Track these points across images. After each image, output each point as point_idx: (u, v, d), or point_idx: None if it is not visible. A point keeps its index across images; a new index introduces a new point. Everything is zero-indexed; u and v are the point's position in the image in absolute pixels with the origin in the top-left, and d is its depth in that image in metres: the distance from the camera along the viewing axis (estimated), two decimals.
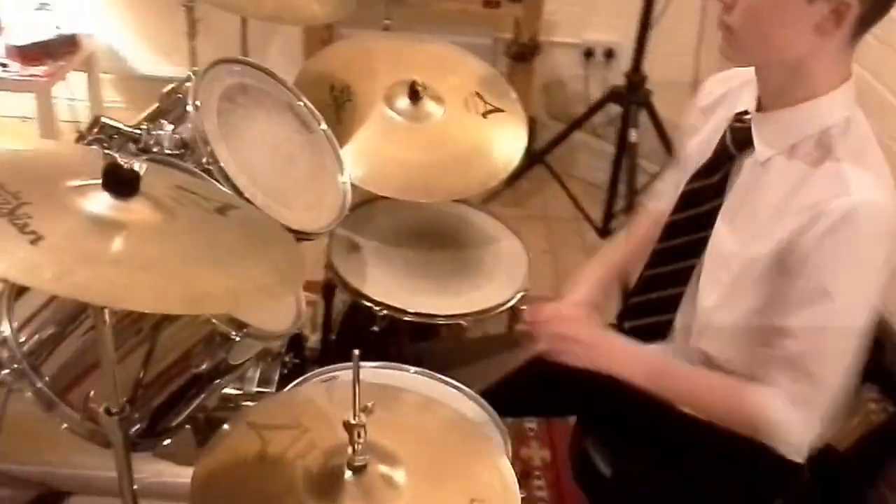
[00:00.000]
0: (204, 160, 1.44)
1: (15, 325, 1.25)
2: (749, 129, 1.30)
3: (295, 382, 1.42)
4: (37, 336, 1.24)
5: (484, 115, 1.96)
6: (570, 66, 3.40)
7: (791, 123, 1.25)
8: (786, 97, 1.25)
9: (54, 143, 1.32)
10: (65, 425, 1.25)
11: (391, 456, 1.07)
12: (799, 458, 1.28)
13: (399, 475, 1.05)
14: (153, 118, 1.58)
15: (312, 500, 1.03)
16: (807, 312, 1.21)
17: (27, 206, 0.91)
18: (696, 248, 1.37)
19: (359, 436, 1.01)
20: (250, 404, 1.46)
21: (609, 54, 3.38)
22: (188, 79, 1.56)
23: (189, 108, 1.47)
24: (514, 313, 1.78)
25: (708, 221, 1.35)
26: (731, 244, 1.31)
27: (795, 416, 1.25)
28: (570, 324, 1.42)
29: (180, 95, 1.57)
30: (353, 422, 1.01)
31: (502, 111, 1.97)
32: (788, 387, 1.25)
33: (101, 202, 0.97)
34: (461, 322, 1.71)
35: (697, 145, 1.43)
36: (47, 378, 1.23)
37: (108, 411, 1.08)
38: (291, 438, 1.08)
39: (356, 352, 0.99)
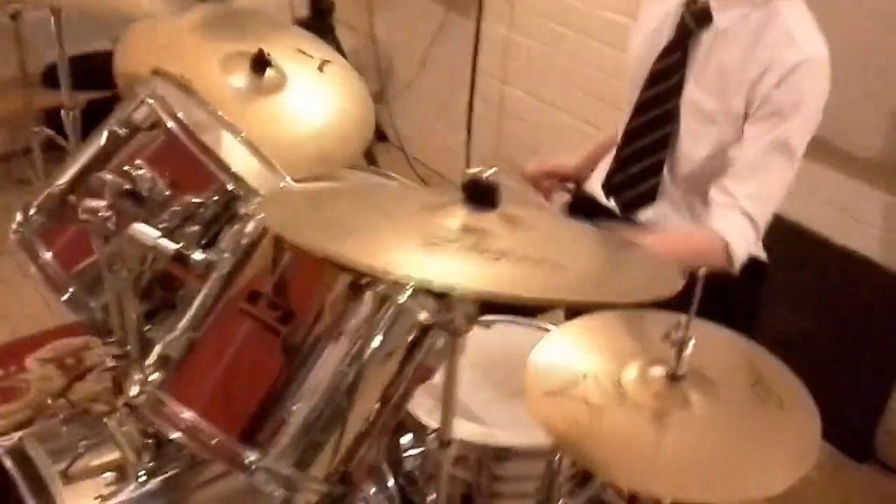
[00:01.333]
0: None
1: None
2: (705, 8, 1.54)
3: None
4: None
5: (319, 69, 1.86)
6: None
7: None
8: None
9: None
10: None
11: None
12: (737, 267, 1.50)
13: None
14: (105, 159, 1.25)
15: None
16: (761, 130, 1.48)
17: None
18: (670, 117, 1.59)
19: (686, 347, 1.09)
20: None
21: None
22: (140, 104, 1.24)
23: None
24: None
25: (677, 91, 1.58)
26: (711, 103, 1.54)
27: (744, 227, 1.48)
28: None
29: (126, 130, 1.25)
30: (680, 336, 1.08)
31: (329, 61, 1.90)
32: (741, 199, 1.48)
33: None
34: None
35: (644, 39, 1.64)
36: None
37: None
38: (596, 387, 1.11)
39: None
